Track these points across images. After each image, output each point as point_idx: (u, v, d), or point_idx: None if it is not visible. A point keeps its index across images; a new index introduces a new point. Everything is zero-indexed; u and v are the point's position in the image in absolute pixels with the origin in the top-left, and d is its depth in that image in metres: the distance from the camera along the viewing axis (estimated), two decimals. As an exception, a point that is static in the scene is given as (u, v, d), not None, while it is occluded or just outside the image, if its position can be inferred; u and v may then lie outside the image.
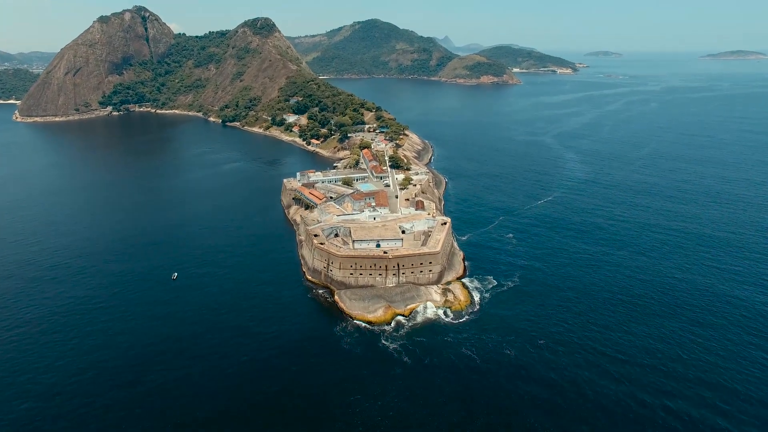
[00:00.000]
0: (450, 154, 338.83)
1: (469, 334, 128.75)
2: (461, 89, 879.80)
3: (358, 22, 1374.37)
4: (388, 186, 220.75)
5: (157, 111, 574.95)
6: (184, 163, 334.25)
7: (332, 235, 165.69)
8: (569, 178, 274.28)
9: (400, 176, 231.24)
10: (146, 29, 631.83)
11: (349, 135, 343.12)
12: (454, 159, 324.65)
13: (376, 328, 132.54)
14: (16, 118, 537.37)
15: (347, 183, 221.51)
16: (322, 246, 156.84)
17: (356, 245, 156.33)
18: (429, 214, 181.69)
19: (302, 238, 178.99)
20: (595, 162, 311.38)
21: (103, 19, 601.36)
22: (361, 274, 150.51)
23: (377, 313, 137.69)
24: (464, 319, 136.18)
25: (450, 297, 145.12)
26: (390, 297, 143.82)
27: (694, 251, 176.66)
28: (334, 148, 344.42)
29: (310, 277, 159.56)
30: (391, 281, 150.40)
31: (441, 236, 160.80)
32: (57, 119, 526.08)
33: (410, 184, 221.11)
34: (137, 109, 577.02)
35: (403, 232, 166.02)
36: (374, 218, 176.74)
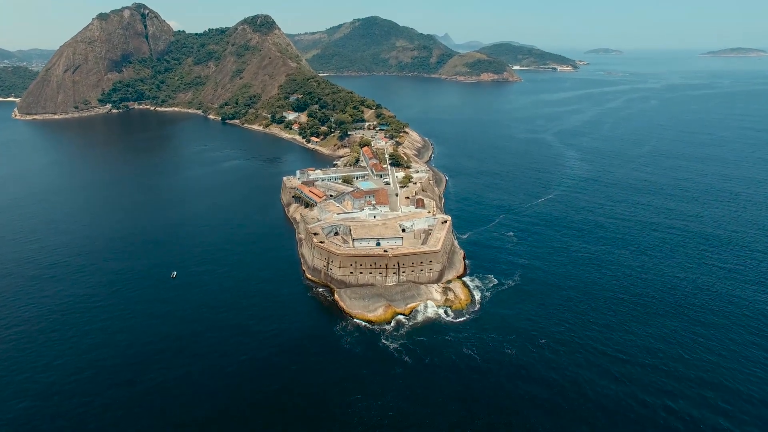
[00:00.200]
0: (450, 152, 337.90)
1: (470, 333, 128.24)
2: (461, 87, 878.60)
3: (358, 20, 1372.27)
4: (389, 184, 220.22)
5: (157, 108, 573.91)
6: (183, 161, 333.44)
7: (332, 234, 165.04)
8: (570, 176, 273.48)
9: (401, 174, 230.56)
10: (146, 26, 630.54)
11: (349, 133, 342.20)
12: (454, 157, 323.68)
13: (376, 327, 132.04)
14: (16, 115, 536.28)
15: (347, 181, 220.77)
16: (321, 244, 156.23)
17: (356, 244, 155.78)
18: (429, 212, 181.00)
19: (302, 236, 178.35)
20: (596, 160, 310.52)
21: (102, 17, 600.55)
22: (361, 273, 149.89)
23: (377, 312, 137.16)
24: (465, 318, 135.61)
25: (450, 296, 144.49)
26: (390, 296, 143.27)
27: (695, 250, 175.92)
28: (334, 145, 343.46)
29: (309, 276, 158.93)
30: (392, 280, 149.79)
31: (441, 235, 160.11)
32: (56, 117, 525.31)
33: (410, 182, 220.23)
34: (137, 106, 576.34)
35: (404, 230, 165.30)
36: (374, 216, 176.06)
